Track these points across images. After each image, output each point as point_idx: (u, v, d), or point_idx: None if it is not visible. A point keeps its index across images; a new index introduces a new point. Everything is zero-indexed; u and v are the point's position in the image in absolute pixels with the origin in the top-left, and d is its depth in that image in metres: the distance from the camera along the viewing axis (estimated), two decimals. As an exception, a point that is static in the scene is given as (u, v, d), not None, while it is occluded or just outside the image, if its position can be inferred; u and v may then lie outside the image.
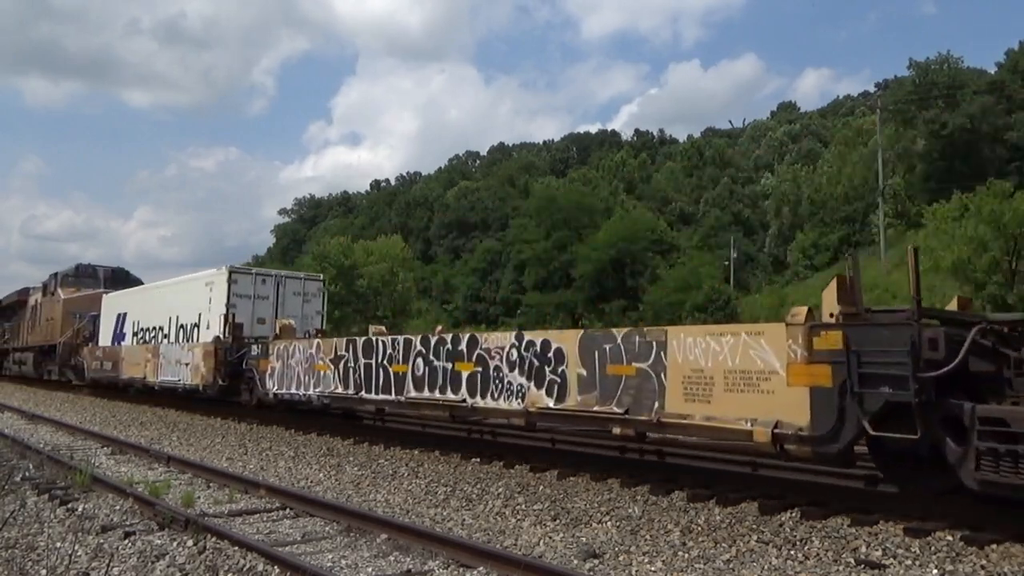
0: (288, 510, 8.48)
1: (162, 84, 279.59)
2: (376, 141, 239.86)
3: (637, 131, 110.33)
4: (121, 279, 31.15)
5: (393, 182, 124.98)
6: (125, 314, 24.38)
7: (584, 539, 7.21)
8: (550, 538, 7.31)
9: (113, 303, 25.87)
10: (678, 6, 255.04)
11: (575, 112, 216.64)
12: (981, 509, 7.08)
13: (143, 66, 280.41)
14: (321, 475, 10.87)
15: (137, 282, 31.14)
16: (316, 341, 14.94)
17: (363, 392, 12.97)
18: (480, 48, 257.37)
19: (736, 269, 64.17)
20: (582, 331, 9.89)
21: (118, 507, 8.51)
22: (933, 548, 6.48)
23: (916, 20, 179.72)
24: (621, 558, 6.61)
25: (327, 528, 7.71)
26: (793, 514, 7.61)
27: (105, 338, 25.56)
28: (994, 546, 6.42)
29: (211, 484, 10.03)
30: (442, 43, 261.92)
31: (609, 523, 7.81)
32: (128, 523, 7.80)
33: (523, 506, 8.60)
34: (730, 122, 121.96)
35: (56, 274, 31.39)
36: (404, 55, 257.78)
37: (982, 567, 6.07)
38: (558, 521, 7.94)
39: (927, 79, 56.74)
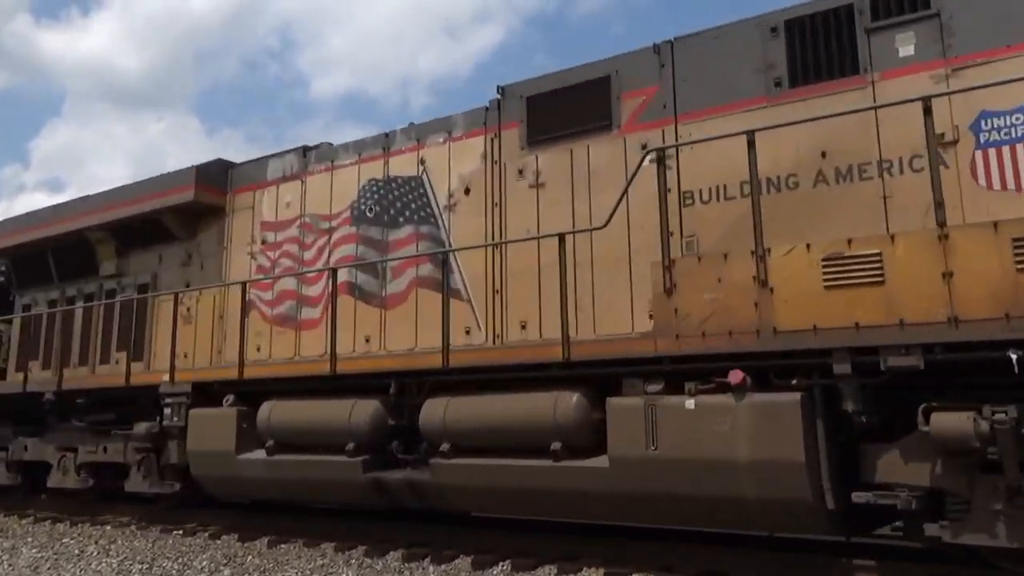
0: (-60, 606, 7.25)
1: None
2: (82, 188, 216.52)
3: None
4: None
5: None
6: None
7: (293, 610, 6.84)
8: (256, 612, 6.85)
9: None
10: (407, 73, 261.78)
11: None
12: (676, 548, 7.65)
13: None
14: (-12, 561, 9.46)
15: None
16: None
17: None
18: (203, 99, 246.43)
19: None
20: None
21: None
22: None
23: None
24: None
25: (-11, 623, 6.67)
26: (504, 566, 7.74)
27: None
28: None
29: None
30: (162, 91, 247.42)
31: (321, 590, 7.48)
32: None
33: (228, 579, 8.03)
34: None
35: None
36: (118, 100, 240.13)
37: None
38: (266, 593, 7.48)
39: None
